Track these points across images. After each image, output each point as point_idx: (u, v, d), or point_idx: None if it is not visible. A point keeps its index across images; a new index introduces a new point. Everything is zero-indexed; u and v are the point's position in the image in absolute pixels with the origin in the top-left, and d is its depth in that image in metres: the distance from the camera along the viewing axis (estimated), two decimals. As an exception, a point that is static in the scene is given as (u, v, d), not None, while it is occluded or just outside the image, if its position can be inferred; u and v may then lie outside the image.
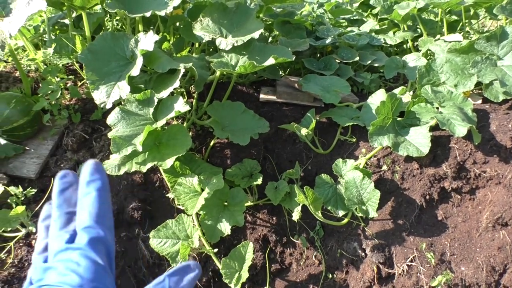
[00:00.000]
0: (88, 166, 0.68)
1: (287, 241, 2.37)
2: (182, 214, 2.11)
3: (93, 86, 2.13)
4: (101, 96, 2.12)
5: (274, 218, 2.43)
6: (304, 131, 2.29)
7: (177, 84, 2.09)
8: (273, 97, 2.69)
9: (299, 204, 2.03)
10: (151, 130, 1.93)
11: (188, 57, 2.43)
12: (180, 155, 1.92)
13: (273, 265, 2.33)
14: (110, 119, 2.03)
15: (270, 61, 2.19)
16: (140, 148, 1.87)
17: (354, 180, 2.08)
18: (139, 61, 2.08)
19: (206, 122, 2.42)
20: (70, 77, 2.93)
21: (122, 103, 2.12)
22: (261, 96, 2.69)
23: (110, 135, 1.95)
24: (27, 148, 2.56)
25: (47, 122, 2.56)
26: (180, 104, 2.03)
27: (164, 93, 2.08)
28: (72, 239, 0.62)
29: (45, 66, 2.77)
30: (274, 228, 2.40)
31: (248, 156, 2.45)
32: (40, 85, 2.69)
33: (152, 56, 2.20)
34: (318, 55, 3.15)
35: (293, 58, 2.32)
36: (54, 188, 0.67)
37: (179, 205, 2.35)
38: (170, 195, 2.37)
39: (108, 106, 2.09)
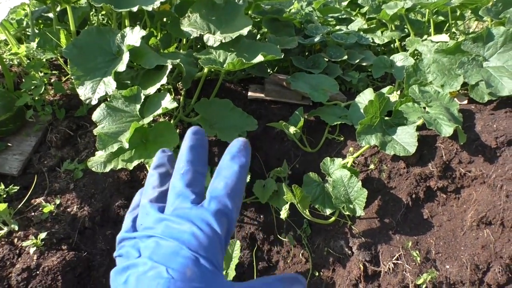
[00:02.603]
0: (237, 142, 0.65)
1: (274, 239, 2.37)
2: (169, 212, 2.08)
3: (78, 82, 2.09)
4: (86, 92, 2.08)
5: (261, 216, 2.42)
6: (292, 129, 2.29)
7: (164, 80, 2.06)
8: (261, 95, 2.68)
9: (287, 202, 2.03)
10: (137, 127, 1.90)
11: (175, 54, 2.40)
12: (167, 153, 1.90)
13: (260, 263, 2.33)
14: (96, 116, 1.99)
15: (259, 58, 2.18)
16: (126, 145, 1.84)
17: (341, 178, 2.09)
18: (126, 57, 2.05)
19: (193, 120, 2.39)
20: (54, 72, 2.88)
21: (108, 99, 2.08)
22: (249, 94, 2.67)
23: (95, 131, 1.92)
24: (9, 144, 2.50)
25: (31, 118, 2.51)
26: (167, 101, 2.01)
27: (151, 90, 2.06)
28: (196, 202, 0.58)
29: (28, 61, 2.70)
30: (262, 226, 2.39)
31: (236, 154, 2.44)
32: (23, 80, 2.63)
33: (139, 51, 2.16)
34: (307, 53, 3.15)
35: (282, 56, 2.32)
36: (185, 142, 0.63)
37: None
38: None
39: (94, 102, 2.06)
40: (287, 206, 2.01)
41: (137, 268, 0.50)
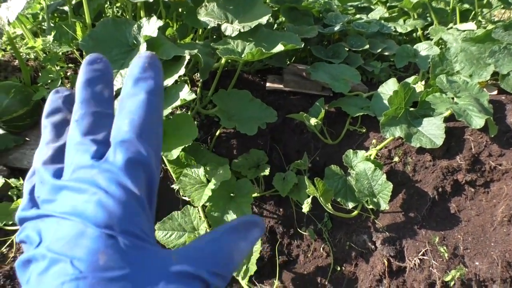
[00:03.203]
0: (139, 59, 0.48)
1: (294, 233, 2.32)
2: (188, 205, 2.05)
3: None
4: None
5: (281, 210, 2.37)
6: (313, 121, 2.22)
7: (182, 71, 2.01)
8: (280, 86, 2.61)
9: (309, 196, 1.97)
10: (155, 120, 1.86)
11: (192, 44, 2.34)
12: (186, 146, 1.85)
13: (280, 257, 2.28)
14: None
15: (279, 47, 2.11)
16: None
17: (365, 171, 2.02)
18: (143, 48, 2.00)
19: (211, 111, 2.34)
20: (70, 65, 2.86)
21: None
22: (268, 84, 2.61)
23: None
24: (27, 139, 2.49)
25: (48, 111, 2.49)
26: (185, 92, 1.96)
27: (169, 81, 2.01)
28: (100, 153, 0.42)
29: (44, 55, 2.69)
30: (281, 220, 2.34)
31: (254, 147, 2.38)
32: (40, 74, 2.62)
33: (156, 42, 2.12)
34: (325, 42, 3.06)
35: (302, 45, 2.25)
36: (79, 78, 0.47)
37: (184, 196, 2.29)
38: (175, 187, 2.31)
39: None
40: (309, 200, 1.95)
41: (37, 263, 0.37)
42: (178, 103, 1.88)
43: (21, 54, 2.65)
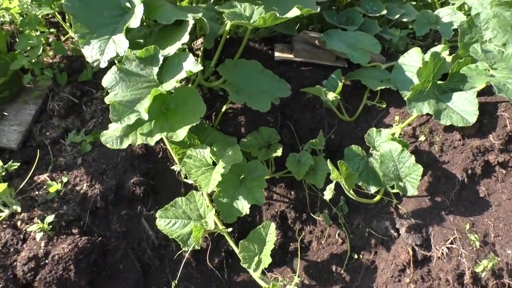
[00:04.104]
0: None
1: (307, 218, 2.13)
2: (194, 191, 1.83)
3: (83, 41, 1.77)
4: (93, 52, 1.76)
5: (292, 193, 2.17)
6: (331, 96, 2.00)
7: (186, 38, 1.74)
8: (290, 56, 2.36)
9: (330, 180, 1.76)
10: (157, 95, 1.60)
11: (194, 7, 2.05)
12: (193, 125, 1.61)
13: (291, 244, 2.10)
14: (107, 81, 1.69)
15: (294, 12, 1.85)
16: (145, 116, 1.55)
17: (390, 152, 1.82)
18: (139, 10, 1.72)
19: (216, 84, 2.09)
20: (52, 30, 2.52)
21: (120, 61, 1.77)
22: (276, 54, 2.35)
23: (107, 99, 1.62)
24: (5, 113, 2.20)
25: (28, 83, 2.20)
26: (190, 63, 1.70)
27: (171, 50, 1.74)
28: None
29: (21, 18, 2.35)
30: (293, 204, 2.15)
31: (264, 124, 2.15)
32: (17, 39, 2.29)
33: (154, 4, 1.83)
34: (336, 7, 2.78)
35: (318, 10, 1.98)
36: None
37: (186, 179, 2.07)
38: (176, 168, 2.08)
39: (103, 65, 1.75)
40: (332, 186, 1.75)
41: None
42: (183, 75, 1.62)
43: (-6, 16, 2.32)
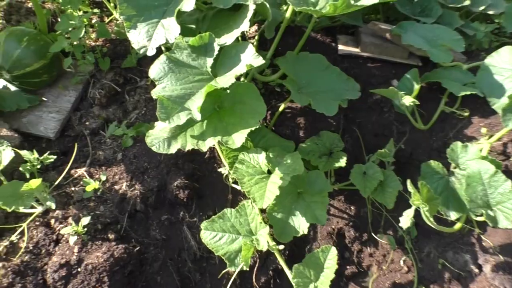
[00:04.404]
0: None
1: (368, 239, 1.87)
2: (245, 203, 1.60)
3: (129, 24, 1.56)
4: (140, 38, 1.55)
5: (352, 208, 1.91)
6: (407, 100, 1.70)
7: (245, 26, 1.50)
8: (356, 50, 2.07)
9: (413, 205, 1.49)
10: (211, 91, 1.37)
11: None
12: (251, 129, 1.38)
13: (348, 266, 1.85)
14: (154, 71, 1.47)
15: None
16: (198, 116, 1.33)
17: (479, 174, 1.52)
18: None
19: (273, 78, 1.84)
20: (95, 11, 2.34)
21: (166, 48, 1.55)
22: (340, 47, 2.07)
23: (155, 93, 1.41)
24: (44, 99, 2.04)
25: (69, 67, 2.02)
26: (250, 55, 1.46)
27: (228, 39, 1.50)
28: None
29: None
30: (353, 221, 1.89)
31: (325, 127, 1.89)
32: (59, 19, 2.12)
33: (211, -16, 1.58)
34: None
35: (397, -2, 1.68)
36: None
37: (234, 183, 1.85)
38: (223, 170, 1.85)
39: (150, 52, 1.53)
40: (411, 213, 1.47)
41: None
42: (242, 69, 1.38)
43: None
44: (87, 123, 2.01)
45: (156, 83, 1.47)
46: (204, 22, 1.68)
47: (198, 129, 1.43)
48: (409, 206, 1.53)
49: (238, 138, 1.37)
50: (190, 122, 1.41)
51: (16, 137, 1.86)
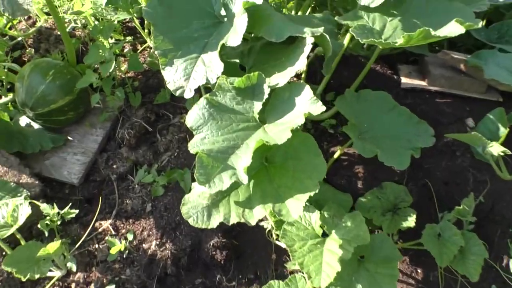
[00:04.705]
0: None
1: (441, 312, 1.54)
2: (296, 276, 1.32)
3: (164, 60, 1.34)
4: (176, 76, 1.32)
5: (419, 271, 1.60)
6: (496, 149, 1.39)
7: (302, 63, 1.25)
8: (422, 83, 1.78)
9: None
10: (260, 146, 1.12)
11: (307, 17, 1.54)
12: (311, 195, 1.11)
13: None
14: (192, 119, 1.23)
15: (454, 29, 1.29)
16: (244, 179, 1.07)
17: None
18: (241, 21, 1.25)
19: (325, 117, 1.58)
20: (128, 39, 2.16)
21: (204, 87, 1.31)
22: (403, 80, 1.78)
23: (193, 147, 1.16)
24: (69, 138, 1.85)
25: (97, 103, 1.83)
26: (307, 99, 1.20)
27: (280, 79, 1.25)
28: None
29: (95, 23, 2.01)
30: (419, 287, 1.57)
31: (387, 176, 1.60)
32: (89, 48, 1.95)
33: (258, 13, 1.34)
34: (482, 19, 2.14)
35: (480, 24, 1.39)
36: None
37: (278, 240, 1.58)
38: (266, 225, 1.59)
39: (188, 94, 1.30)
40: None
41: None
42: (299, 119, 1.12)
43: (66, 21, 1.99)
44: (114, 166, 1.80)
45: (194, 132, 1.23)
46: (250, 55, 1.44)
47: (243, 192, 1.17)
48: (496, 275, 1.21)
49: (295, 207, 1.10)
50: (235, 186, 1.16)
51: (36, 184, 1.66)
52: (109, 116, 1.87)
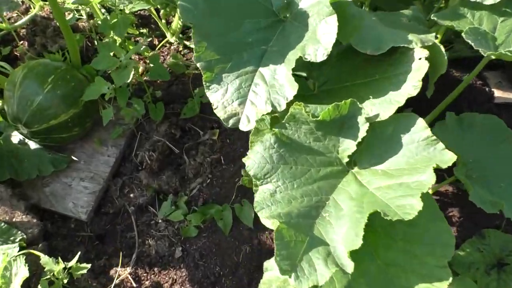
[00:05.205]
0: None
1: None
2: None
3: (209, 75, 0.97)
4: (226, 99, 0.96)
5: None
6: None
7: (412, 87, 0.88)
8: (518, 97, 1.42)
9: None
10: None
11: (394, 15, 1.16)
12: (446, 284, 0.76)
13: None
14: (255, 163, 0.88)
15: None
16: (348, 266, 0.72)
17: None
18: (329, 26, 0.88)
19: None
20: (142, 30, 1.77)
21: (269, 118, 0.95)
22: (496, 93, 1.43)
23: (261, 207, 0.82)
24: (74, 158, 1.49)
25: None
26: (422, 138, 0.84)
27: (380, 108, 0.89)
28: None
29: (105, 14, 1.62)
30: None
31: (486, 220, 1.25)
32: (96, 44, 1.57)
33: (343, 12, 0.96)
34: None
35: None
36: None
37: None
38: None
39: (245, 125, 0.95)
40: None
41: None
42: (425, 180, 0.76)
43: (68, 12, 1.59)
44: (131, 195, 1.44)
45: (259, 182, 0.87)
46: (324, 68, 1.06)
47: (341, 280, 0.82)
48: None
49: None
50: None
51: (34, 223, 1.30)
52: (123, 131, 1.50)
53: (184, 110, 1.49)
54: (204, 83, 0.97)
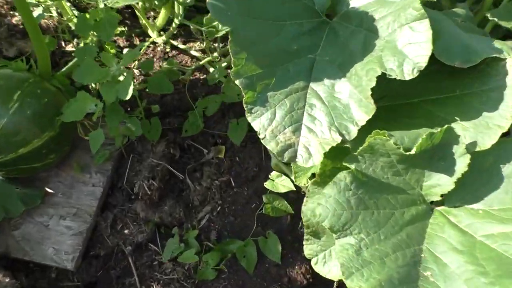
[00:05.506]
0: None
1: None
2: None
3: (251, 95, 0.76)
4: (275, 126, 0.75)
5: None
6: None
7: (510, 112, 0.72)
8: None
9: None
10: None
11: (449, 14, 1.00)
12: None
13: None
14: (328, 211, 0.69)
15: None
16: None
17: None
18: (420, 33, 0.69)
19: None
20: (123, 31, 1.48)
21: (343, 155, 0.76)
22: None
23: (350, 273, 0.62)
24: (49, 190, 1.20)
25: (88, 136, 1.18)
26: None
27: (479, 136, 0.72)
28: None
29: (76, 14, 1.33)
30: None
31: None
32: (73, 45, 1.28)
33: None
34: None
35: None
36: None
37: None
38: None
39: (304, 160, 0.75)
40: None
41: None
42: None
43: (32, 9, 1.27)
44: (125, 231, 1.19)
45: (336, 236, 0.68)
46: (391, 84, 0.87)
47: None
48: None
49: None
50: None
51: (8, 283, 1.02)
52: (109, 154, 1.23)
53: (185, 126, 1.25)
54: (244, 105, 0.76)
